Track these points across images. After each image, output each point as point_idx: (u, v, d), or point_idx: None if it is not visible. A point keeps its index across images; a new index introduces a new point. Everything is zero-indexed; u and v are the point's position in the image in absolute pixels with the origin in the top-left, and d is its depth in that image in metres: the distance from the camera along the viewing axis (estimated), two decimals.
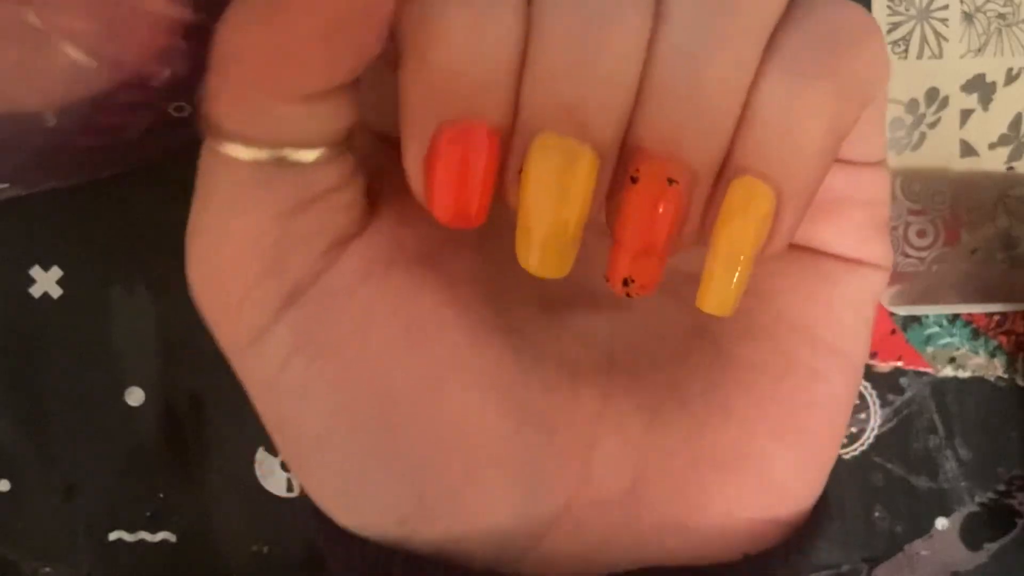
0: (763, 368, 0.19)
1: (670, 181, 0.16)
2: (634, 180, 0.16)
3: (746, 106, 0.16)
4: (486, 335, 0.19)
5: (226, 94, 0.16)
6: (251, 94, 0.16)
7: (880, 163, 0.19)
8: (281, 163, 0.17)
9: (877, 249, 0.20)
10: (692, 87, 0.16)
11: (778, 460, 0.19)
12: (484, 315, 0.19)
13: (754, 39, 0.16)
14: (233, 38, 0.15)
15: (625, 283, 0.17)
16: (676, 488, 0.19)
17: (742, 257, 0.17)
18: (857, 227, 0.19)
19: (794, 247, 0.20)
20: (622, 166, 0.16)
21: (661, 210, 0.16)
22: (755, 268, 0.17)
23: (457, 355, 0.18)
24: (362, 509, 0.19)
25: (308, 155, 0.17)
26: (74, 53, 0.17)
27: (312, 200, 0.17)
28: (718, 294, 0.17)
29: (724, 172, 0.16)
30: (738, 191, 0.16)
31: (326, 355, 0.18)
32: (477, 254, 0.20)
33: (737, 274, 0.17)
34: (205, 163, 0.17)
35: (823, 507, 0.20)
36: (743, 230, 0.16)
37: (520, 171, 0.16)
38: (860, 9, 0.17)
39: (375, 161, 0.19)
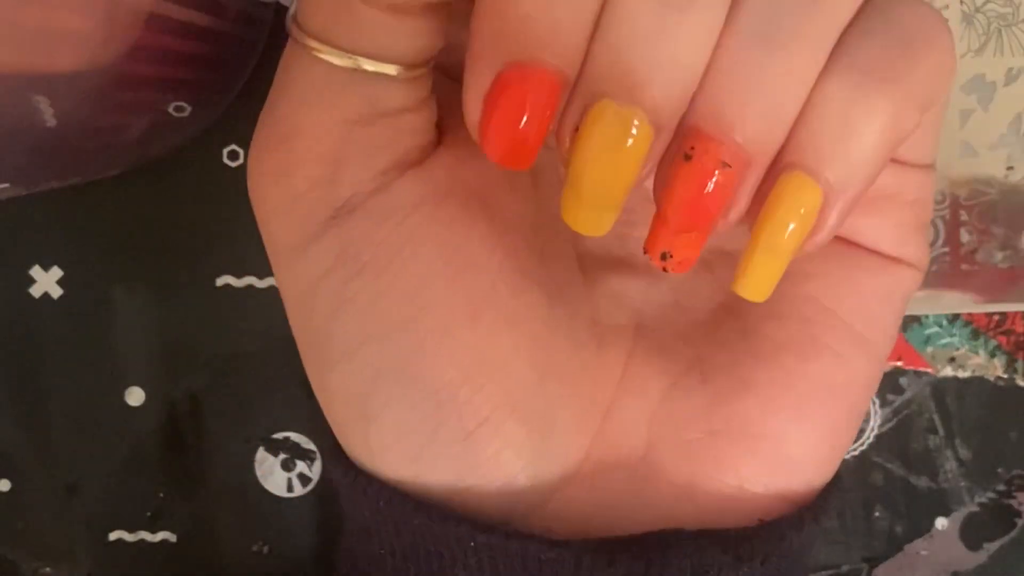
0: (788, 347, 0.19)
1: (724, 165, 0.16)
2: (688, 158, 0.16)
3: (808, 101, 0.16)
4: (526, 283, 0.19)
5: None
6: None
7: (929, 166, 0.19)
8: (357, 72, 0.17)
9: (914, 250, 0.20)
10: (758, 75, 0.16)
11: (794, 439, 0.19)
12: (527, 263, 0.19)
13: (825, 35, 0.16)
14: None
15: (663, 257, 0.17)
16: (690, 457, 0.19)
17: (782, 249, 0.17)
18: (898, 226, 0.19)
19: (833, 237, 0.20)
20: (677, 141, 0.16)
21: (710, 191, 0.16)
22: (794, 260, 0.17)
23: (495, 295, 0.18)
24: (376, 435, 0.19)
25: (384, 69, 0.17)
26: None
27: (381, 115, 0.17)
28: (754, 281, 0.17)
29: (776, 164, 0.16)
30: (787, 185, 0.16)
31: (366, 274, 0.18)
32: (528, 205, 0.20)
33: (775, 264, 0.17)
34: (287, 56, 0.18)
35: (835, 480, 0.20)
36: (787, 224, 0.16)
37: (575, 128, 0.16)
38: (933, 12, 0.17)
39: (442, 98, 0.19)
